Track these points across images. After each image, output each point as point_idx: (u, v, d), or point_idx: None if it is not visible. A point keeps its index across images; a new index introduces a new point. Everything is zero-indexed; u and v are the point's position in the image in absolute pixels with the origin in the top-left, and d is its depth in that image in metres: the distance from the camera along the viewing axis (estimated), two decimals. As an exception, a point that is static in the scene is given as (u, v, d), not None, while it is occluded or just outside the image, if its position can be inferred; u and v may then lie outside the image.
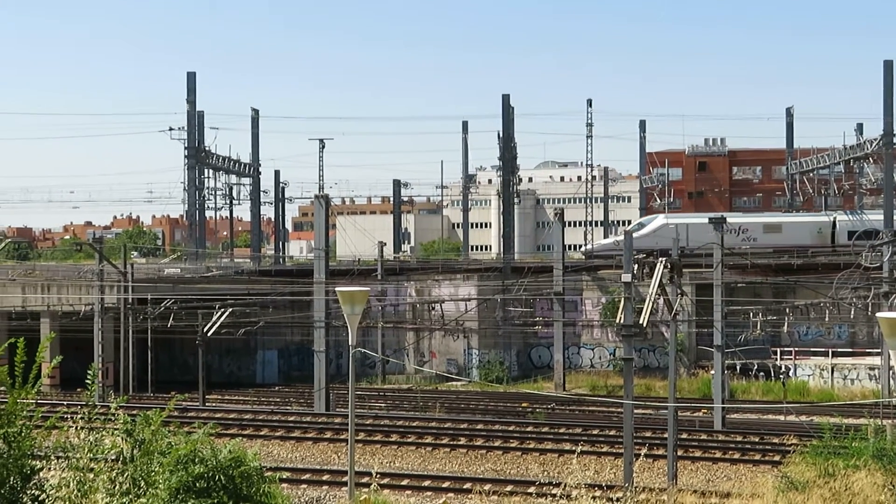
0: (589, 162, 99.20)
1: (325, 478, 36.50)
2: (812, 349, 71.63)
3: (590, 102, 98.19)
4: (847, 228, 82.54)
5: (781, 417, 53.44)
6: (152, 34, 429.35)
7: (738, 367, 66.98)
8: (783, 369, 66.92)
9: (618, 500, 24.02)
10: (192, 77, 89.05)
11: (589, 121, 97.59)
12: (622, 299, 31.30)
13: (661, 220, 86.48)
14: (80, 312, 67.97)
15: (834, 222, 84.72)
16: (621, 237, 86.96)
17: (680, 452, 36.97)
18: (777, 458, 38.94)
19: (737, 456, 40.81)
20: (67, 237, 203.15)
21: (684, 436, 43.20)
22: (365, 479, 34.91)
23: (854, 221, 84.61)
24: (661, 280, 31.48)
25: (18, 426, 16.56)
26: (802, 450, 33.37)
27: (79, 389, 56.05)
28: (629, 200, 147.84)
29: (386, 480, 35.91)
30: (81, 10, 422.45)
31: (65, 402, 36.02)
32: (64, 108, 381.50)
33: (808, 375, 68.23)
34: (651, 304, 31.14)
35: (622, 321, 30.93)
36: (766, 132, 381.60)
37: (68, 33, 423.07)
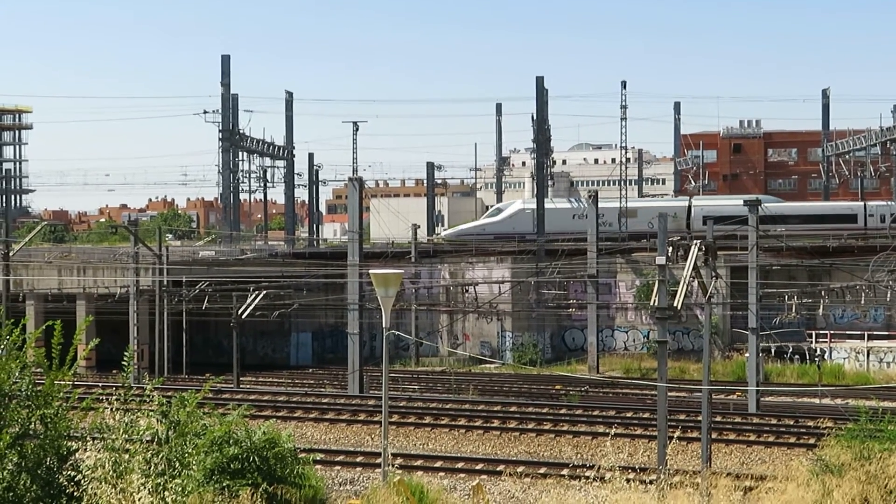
0: (623, 144, 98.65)
1: (358, 459, 36.61)
2: (847, 332, 71.23)
3: (624, 84, 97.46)
4: (702, 213, 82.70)
5: (816, 400, 53.18)
6: (187, 17, 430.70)
7: (772, 350, 66.68)
8: (818, 352, 66.58)
9: (651, 482, 23.96)
10: (226, 60, 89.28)
11: (623, 102, 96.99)
12: (656, 282, 31.15)
13: (519, 205, 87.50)
14: (116, 295, 68.43)
15: (689, 207, 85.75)
16: (481, 222, 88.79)
17: (714, 435, 36.85)
18: (812, 441, 38.77)
19: (771, 439, 40.66)
20: (103, 220, 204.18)
21: (718, 419, 43.09)
22: (399, 461, 35.08)
23: (709, 206, 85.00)
24: (695, 263, 31.32)
25: (55, 407, 16.71)
26: (837, 433, 33.16)
27: (114, 371, 56.47)
28: (664, 183, 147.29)
29: (419, 462, 36.01)
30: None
31: (100, 384, 36.28)
32: (99, 92, 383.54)
33: (844, 358, 67.87)
34: (685, 286, 31.00)
35: (656, 304, 30.79)
36: (802, 114, 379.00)
37: (102, 16, 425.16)
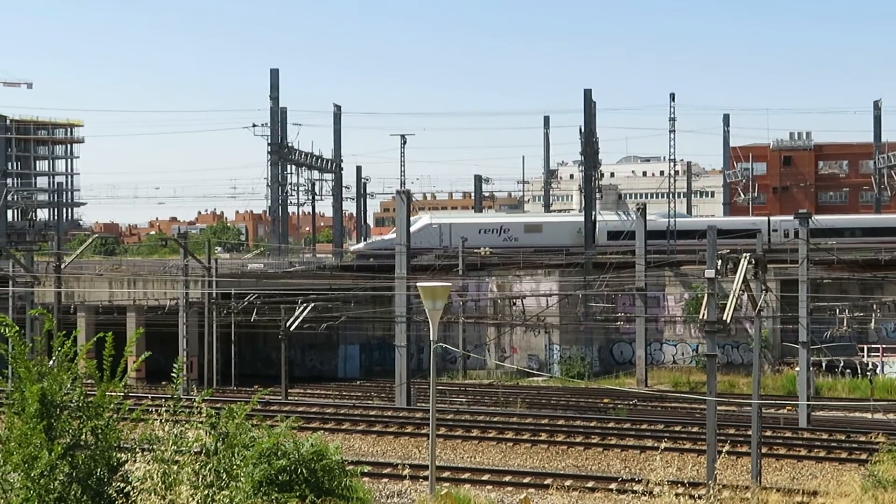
0: (672, 156, 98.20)
1: (405, 472, 36.57)
2: (900, 346, 70.45)
3: (673, 96, 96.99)
4: (606, 229, 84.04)
5: (868, 415, 52.65)
6: (236, 31, 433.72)
7: (823, 364, 66.07)
8: (870, 366, 65.88)
9: (700, 497, 23.81)
10: (275, 74, 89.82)
11: (672, 115, 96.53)
12: (705, 295, 30.97)
13: (426, 219, 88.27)
14: (165, 307, 68.89)
15: (594, 223, 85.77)
16: (390, 236, 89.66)
17: (764, 450, 36.53)
18: (864, 456, 38.37)
19: (822, 454, 40.26)
20: (153, 232, 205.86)
21: (768, 433, 42.70)
22: (446, 474, 35.02)
23: (613, 222, 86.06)
24: (745, 276, 31.11)
25: (106, 419, 16.81)
26: (890, 448, 32.87)
27: (163, 382, 56.78)
28: (713, 195, 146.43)
29: (467, 475, 35.96)
30: (166, 7, 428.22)
31: (149, 396, 36.49)
32: (149, 105, 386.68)
33: (896, 373, 67.10)
34: (735, 299, 30.81)
35: (705, 317, 30.61)
36: (853, 125, 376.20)
37: (152, 30, 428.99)
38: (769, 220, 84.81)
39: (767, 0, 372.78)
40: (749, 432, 34.80)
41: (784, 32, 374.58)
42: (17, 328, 17.18)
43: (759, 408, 32.47)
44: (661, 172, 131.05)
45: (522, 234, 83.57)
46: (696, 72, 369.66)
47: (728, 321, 30.70)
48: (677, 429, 45.46)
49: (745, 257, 31.63)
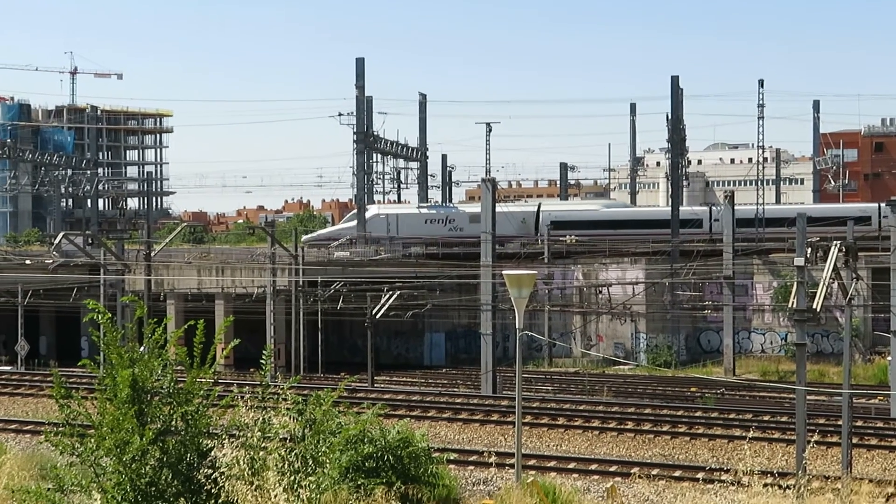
0: (760, 143, 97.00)
1: (492, 459, 36.59)
2: None
3: (761, 83, 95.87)
4: (550, 219, 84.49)
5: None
6: (323, 20, 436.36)
7: (916, 354, 64.90)
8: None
9: (789, 487, 23.54)
10: (360, 63, 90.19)
11: (760, 101, 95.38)
12: (794, 283, 30.57)
13: (374, 210, 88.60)
14: (253, 294, 69.66)
15: (538, 213, 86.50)
16: (341, 226, 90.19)
17: (855, 440, 35.97)
18: (958, 447, 37.68)
19: (915, 445, 39.58)
20: (241, 221, 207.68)
21: (859, 423, 42.06)
22: (532, 462, 34.99)
23: (557, 212, 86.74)
24: (835, 264, 30.64)
25: (195, 405, 17.02)
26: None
27: (251, 369, 57.43)
28: (802, 182, 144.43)
29: (552, 463, 35.90)
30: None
31: (235, 383, 36.97)
32: (236, 95, 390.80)
33: None
34: (825, 288, 30.36)
35: (794, 306, 30.22)
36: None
37: (239, 20, 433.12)
38: (710, 209, 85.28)
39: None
40: (839, 422, 34.31)
41: (875, 16, 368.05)
42: (110, 315, 17.44)
43: (849, 397, 31.97)
44: (750, 160, 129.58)
45: (467, 224, 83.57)
46: (785, 58, 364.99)
47: (818, 310, 30.27)
48: (766, 418, 44.97)
49: (836, 245, 31.13)
